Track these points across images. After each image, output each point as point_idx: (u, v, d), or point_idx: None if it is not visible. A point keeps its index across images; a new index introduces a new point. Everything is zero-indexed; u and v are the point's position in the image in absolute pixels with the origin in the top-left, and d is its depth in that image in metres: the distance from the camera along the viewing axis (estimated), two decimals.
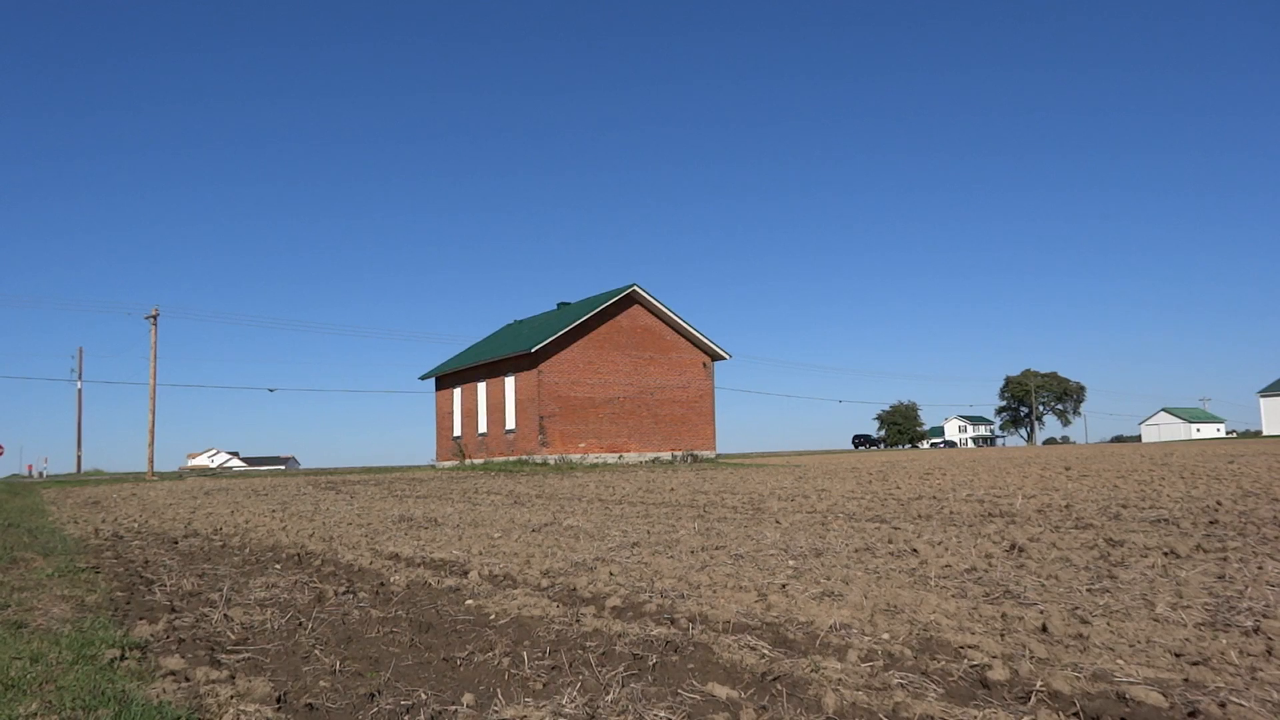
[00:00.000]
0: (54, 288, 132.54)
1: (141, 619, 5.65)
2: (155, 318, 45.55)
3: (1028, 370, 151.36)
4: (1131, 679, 3.96)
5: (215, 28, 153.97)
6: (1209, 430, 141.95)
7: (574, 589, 6.45)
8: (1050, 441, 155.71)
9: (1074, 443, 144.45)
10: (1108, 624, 4.83)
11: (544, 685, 4.14)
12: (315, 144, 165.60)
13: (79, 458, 57.73)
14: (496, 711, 3.79)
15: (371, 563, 8.15)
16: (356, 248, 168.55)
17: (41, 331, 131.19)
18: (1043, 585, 6.04)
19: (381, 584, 6.99)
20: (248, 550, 9.61)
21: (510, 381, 41.09)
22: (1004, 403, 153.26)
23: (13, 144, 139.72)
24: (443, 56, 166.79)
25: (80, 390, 59.77)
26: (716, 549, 8.38)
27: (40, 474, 54.42)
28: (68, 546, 10.05)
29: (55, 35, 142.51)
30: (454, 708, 3.86)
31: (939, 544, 8.21)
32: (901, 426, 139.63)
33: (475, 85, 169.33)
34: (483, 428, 43.19)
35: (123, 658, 4.60)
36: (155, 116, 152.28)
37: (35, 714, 3.64)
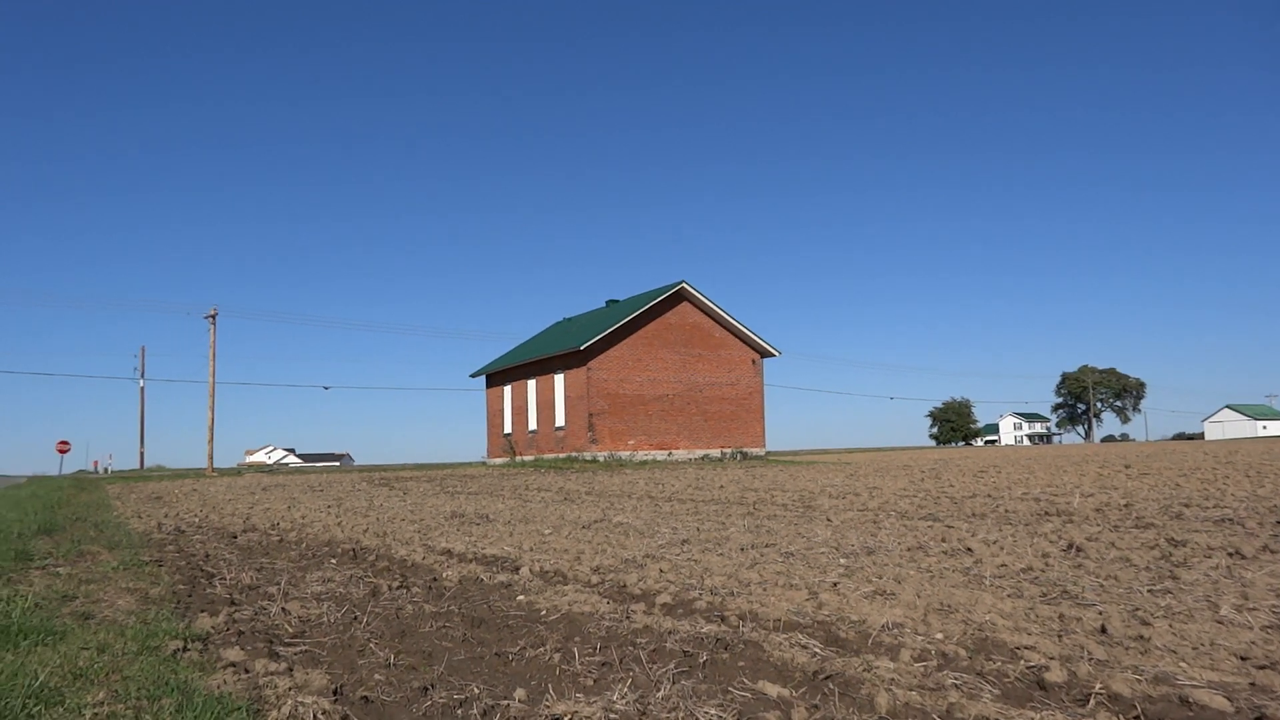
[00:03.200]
0: (117, 289, 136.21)
1: (203, 611, 5.74)
2: (214, 317, 46.58)
3: (1085, 366, 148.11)
4: (1195, 682, 3.89)
5: (277, 26, 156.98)
6: (1276, 427, 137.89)
7: (624, 585, 6.44)
8: (1109, 439, 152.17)
9: (1133, 440, 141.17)
10: (1170, 626, 4.74)
11: (594, 681, 4.13)
12: (370, 144, 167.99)
13: (142, 454, 59.27)
14: (548, 706, 3.79)
15: (424, 558, 8.18)
16: (409, 247, 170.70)
17: (106, 332, 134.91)
18: (1101, 585, 5.93)
19: (434, 579, 7.02)
20: (304, 545, 9.69)
21: (560, 379, 41.27)
22: (1060, 399, 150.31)
23: (76, 144, 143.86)
24: (493, 55, 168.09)
25: (143, 389, 61.34)
26: (767, 546, 8.33)
27: (105, 470, 55.97)
28: (132, 540, 10.25)
29: (121, 32, 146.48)
30: (506, 702, 3.87)
31: (994, 543, 8.08)
32: (954, 424, 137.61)
33: (527, 84, 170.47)
34: (533, 425, 43.44)
35: (185, 649, 4.67)
36: (212, 117, 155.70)
37: (102, 703, 3.71)
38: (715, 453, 41.58)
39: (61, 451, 52.44)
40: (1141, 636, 4.57)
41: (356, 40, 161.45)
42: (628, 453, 39.17)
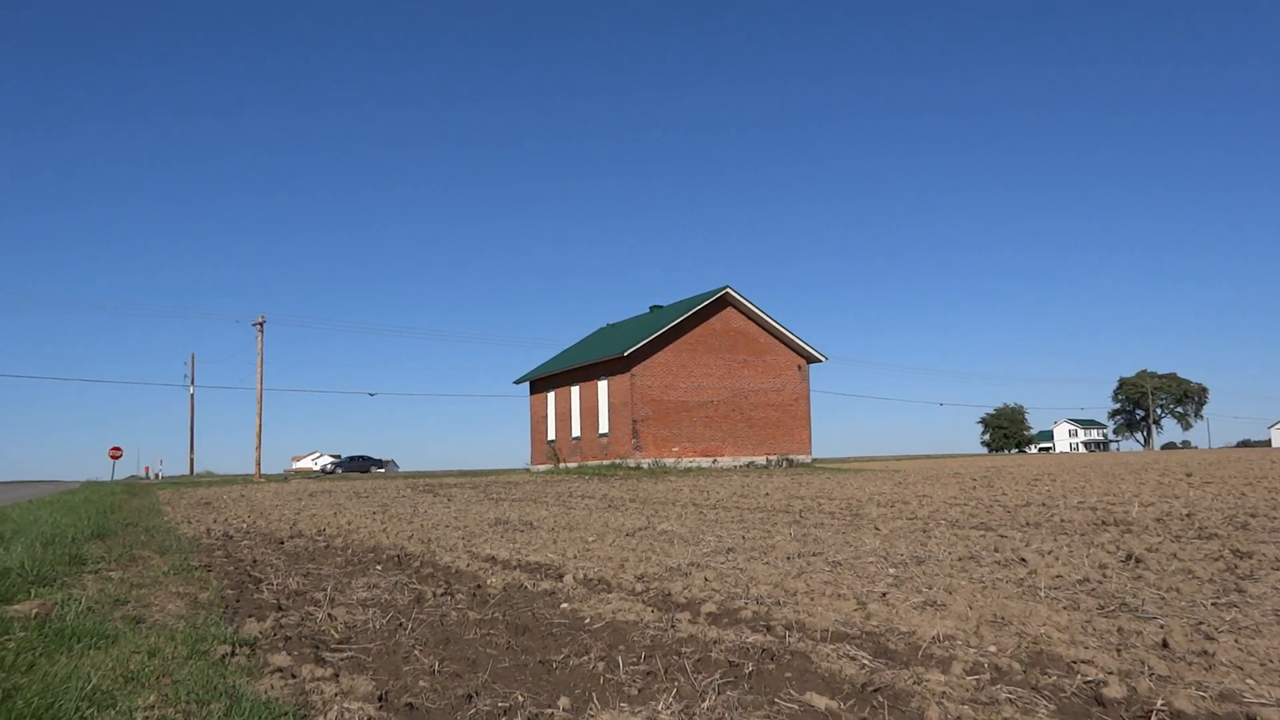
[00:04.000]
0: (168, 296, 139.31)
1: (250, 616, 5.81)
2: (261, 325, 47.49)
3: (1144, 371, 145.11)
4: (1263, 700, 3.78)
5: (325, 28, 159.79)
6: None
7: (668, 594, 6.43)
8: (1169, 446, 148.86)
9: (1195, 448, 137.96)
10: (1235, 641, 4.64)
11: (639, 691, 4.13)
12: (414, 151, 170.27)
13: (191, 460, 60.56)
14: (592, 715, 3.80)
15: (469, 565, 8.23)
16: (453, 253, 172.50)
17: (157, 339, 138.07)
18: (1162, 598, 5.83)
19: (478, 586, 7.06)
20: (349, 551, 9.77)
21: (603, 385, 41.43)
22: (1118, 405, 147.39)
23: (124, 150, 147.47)
24: (540, 59, 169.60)
25: (192, 395, 62.72)
26: (813, 555, 8.30)
27: (156, 475, 57.28)
28: (182, 546, 10.39)
29: (165, 39, 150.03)
30: (550, 711, 3.89)
31: (1049, 553, 7.99)
32: (1007, 431, 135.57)
33: (571, 88, 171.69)
34: (576, 431, 43.64)
35: (233, 654, 4.73)
36: (256, 122, 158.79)
37: (153, 706, 3.77)
38: (761, 460, 41.42)
39: (114, 457, 53.78)
40: (1205, 652, 4.48)
41: (401, 43, 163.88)
42: (672, 460, 39.23)
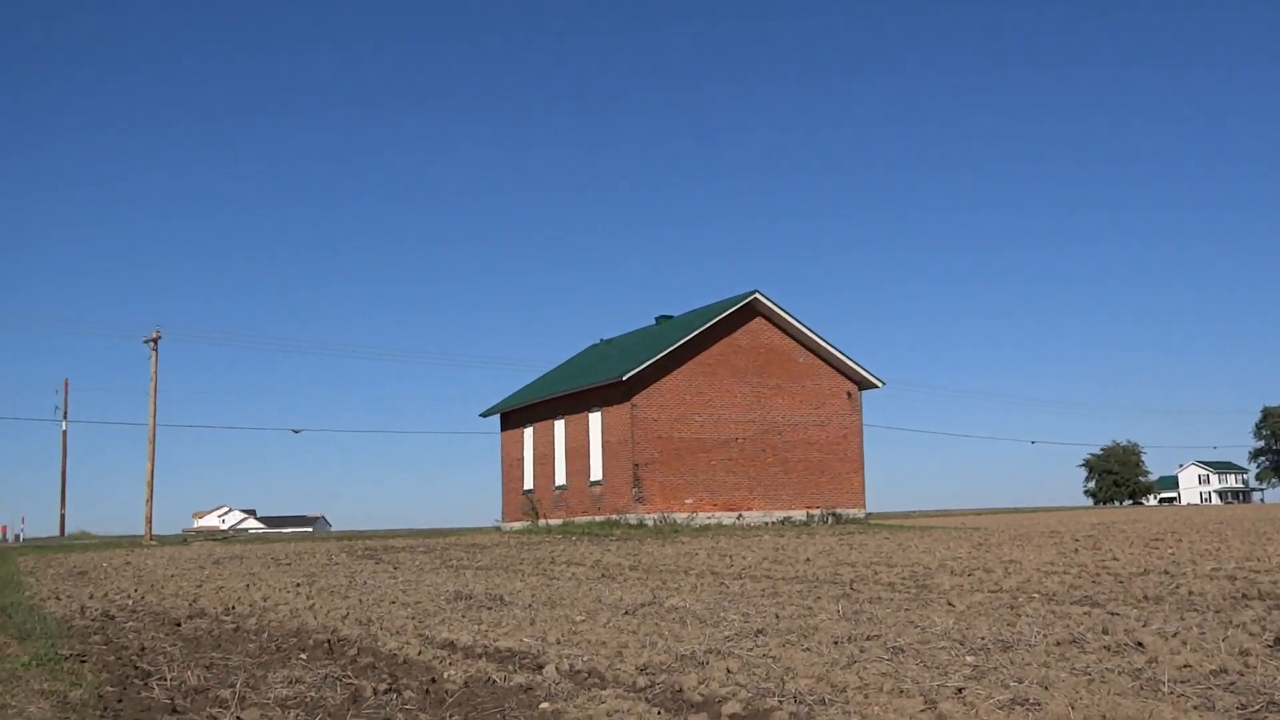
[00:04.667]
0: (34, 303, 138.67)
1: None
2: (156, 341, 47.46)
3: None
4: None
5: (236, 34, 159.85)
6: None
7: (679, 690, 6.47)
8: None
9: None
10: None
11: None
12: (364, 142, 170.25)
13: (62, 517, 60.49)
14: None
15: (420, 652, 8.32)
16: (402, 255, 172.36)
17: (19, 359, 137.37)
18: None
19: (433, 680, 7.10)
20: (266, 635, 9.86)
21: (596, 418, 41.41)
22: (1261, 443, 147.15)
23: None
24: (495, 50, 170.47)
25: (65, 432, 62.66)
26: (868, 639, 8.41)
27: (17, 537, 56.98)
28: (48, 628, 10.39)
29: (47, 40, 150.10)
30: None
31: (1173, 636, 8.06)
32: (1118, 477, 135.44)
33: (539, 76, 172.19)
34: (560, 478, 43.58)
35: None
36: (167, 119, 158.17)
37: None
38: (799, 515, 41.36)
39: None
40: None
41: (339, 39, 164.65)
42: (684, 515, 39.12)
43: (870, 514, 45.44)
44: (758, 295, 41.40)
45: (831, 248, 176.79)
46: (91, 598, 14.62)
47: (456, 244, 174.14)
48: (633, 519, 38.53)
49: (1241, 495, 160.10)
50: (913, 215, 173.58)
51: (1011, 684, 6.29)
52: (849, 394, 43.53)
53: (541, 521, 43.66)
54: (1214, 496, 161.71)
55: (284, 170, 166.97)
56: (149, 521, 45.92)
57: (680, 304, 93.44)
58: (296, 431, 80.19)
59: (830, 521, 41.25)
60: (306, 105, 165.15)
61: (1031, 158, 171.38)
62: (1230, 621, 8.75)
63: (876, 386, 43.89)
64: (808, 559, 19.20)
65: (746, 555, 20.98)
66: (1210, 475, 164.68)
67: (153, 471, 46.32)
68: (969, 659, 7.25)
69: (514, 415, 48.28)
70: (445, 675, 7.24)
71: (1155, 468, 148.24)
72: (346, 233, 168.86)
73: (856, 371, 43.36)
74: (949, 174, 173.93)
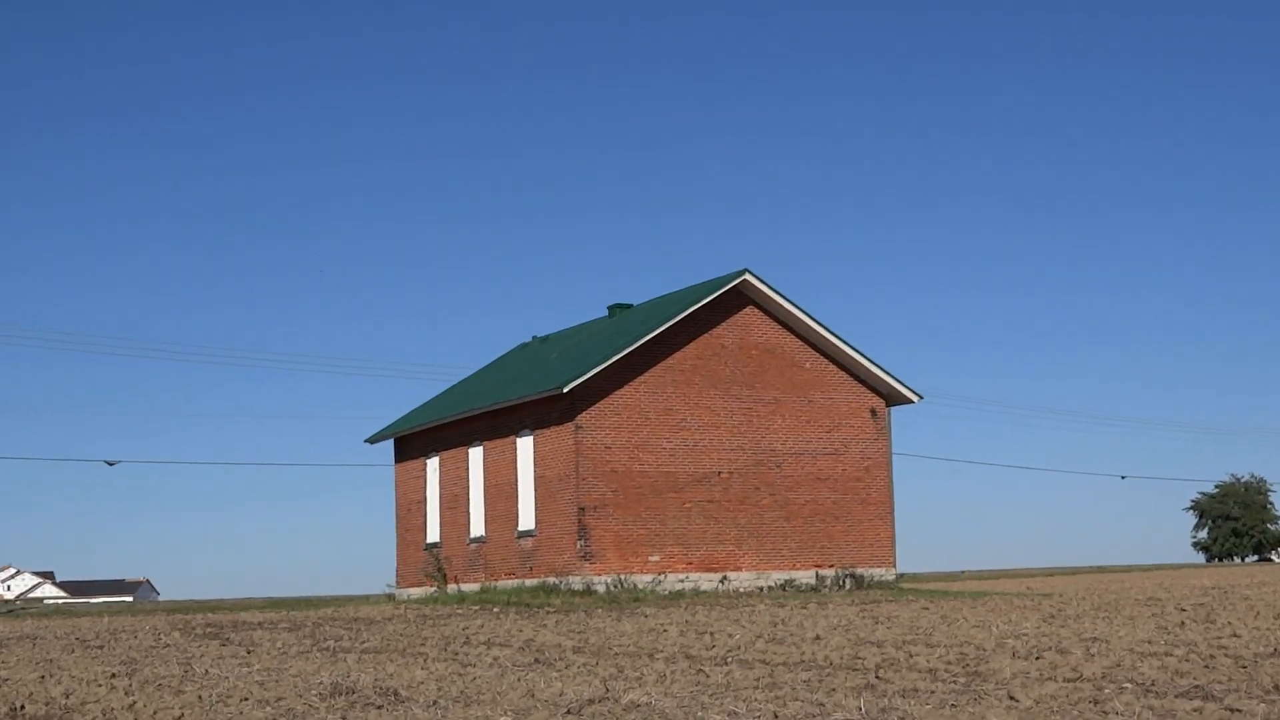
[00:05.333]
0: None
1: None
2: None
3: None
4: None
5: None
6: None
7: None
8: None
9: None
10: None
11: None
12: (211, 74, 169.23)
13: None
14: None
15: None
16: (260, 233, 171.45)
17: None
18: None
19: None
20: None
21: (526, 445, 41.34)
22: None
23: None
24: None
25: None
26: None
27: None
28: None
29: None
30: None
31: None
32: (1239, 523, 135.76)
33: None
34: (478, 528, 43.53)
35: None
36: None
37: None
38: (806, 576, 41.34)
39: None
40: None
41: None
42: (648, 577, 39.05)
43: (902, 575, 45.64)
44: (748, 276, 41.40)
45: (845, 218, 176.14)
46: None
47: (333, 217, 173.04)
48: (577, 583, 38.34)
49: None
50: (954, 174, 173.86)
51: None
52: (873, 412, 43.45)
53: (452, 587, 43.61)
54: None
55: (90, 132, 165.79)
56: None
57: (642, 290, 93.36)
58: (111, 464, 78.22)
59: (848, 586, 41.28)
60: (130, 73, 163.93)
61: (1131, 110, 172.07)
62: None
63: (910, 402, 43.96)
64: (817, 637, 19.40)
65: (734, 632, 21.15)
66: None
67: None
68: None
69: (412, 441, 48.10)
70: None
71: None
72: (183, 207, 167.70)
73: (883, 381, 43.37)
74: (1009, 120, 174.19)
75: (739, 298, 41.90)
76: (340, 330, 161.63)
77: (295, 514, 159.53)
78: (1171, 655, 14.26)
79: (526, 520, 41.35)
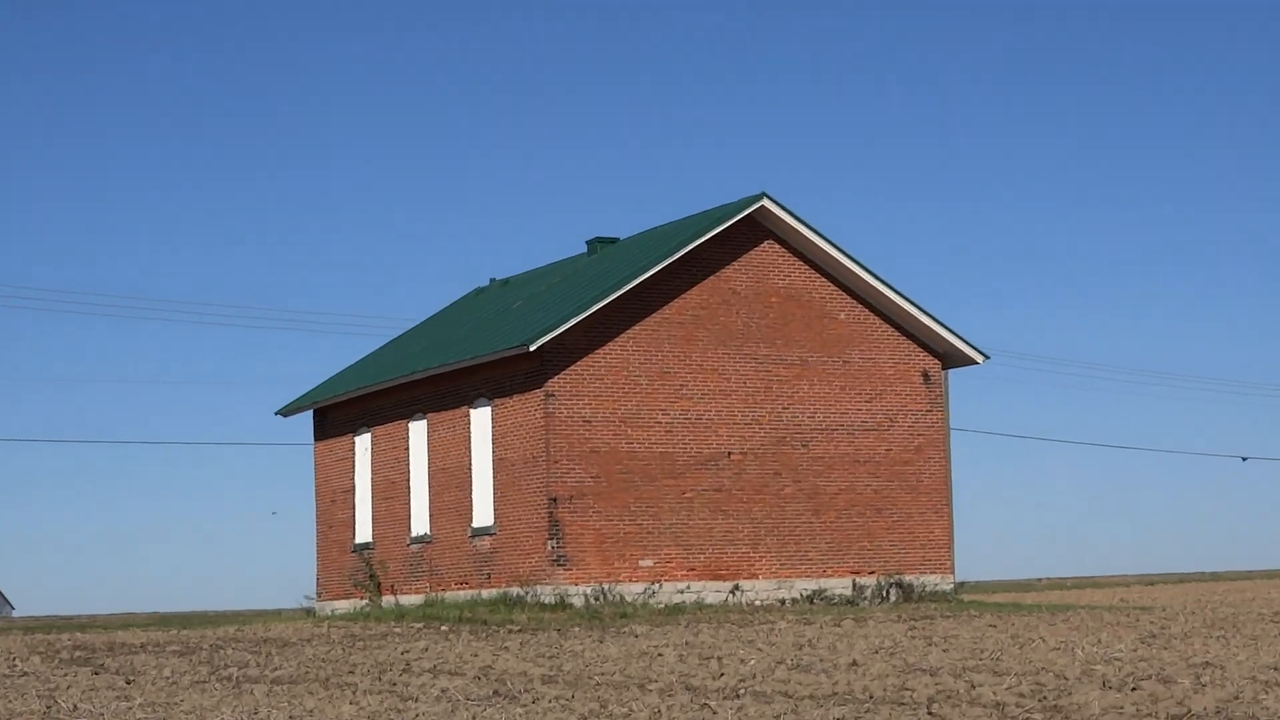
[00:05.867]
0: None
1: None
2: None
3: None
4: None
5: None
6: None
7: None
8: None
9: None
10: None
11: None
12: None
13: None
14: None
15: None
16: (129, 150, 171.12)
17: None
18: None
19: None
20: None
21: (482, 418, 41.33)
22: None
23: None
24: None
25: None
26: None
27: None
28: None
29: None
30: None
31: None
32: None
33: None
34: (420, 524, 43.57)
35: None
36: None
37: None
38: (839, 586, 41.35)
39: None
40: None
41: None
42: (639, 586, 39.04)
43: (962, 584, 45.66)
44: (767, 203, 41.37)
45: (882, 134, 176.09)
46: None
47: (245, 131, 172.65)
48: (548, 594, 38.37)
49: None
50: (1025, 81, 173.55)
51: None
52: (925, 375, 43.44)
53: (388, 599, 43.50)
54: None
55: None
56: None
57: (630, 222, 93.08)
58: None
59: (894, 597, 41.32)
60: None
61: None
62: None
63: (973, 363, 44.01)
64: (854, 663, 19.35)
65: (748, 657, 21.19)
66: None
67: None
68: None
69: (337, 413, 48.25)
70: None
71: None
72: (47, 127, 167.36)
73: (939, 337, 43.36)
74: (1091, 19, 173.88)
75: (755, 230, 41.76)
76: (247, 272, 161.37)
77: (187, 507, 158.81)
78: None
79: (483, 514, 41.22)
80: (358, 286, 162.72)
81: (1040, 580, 77.21)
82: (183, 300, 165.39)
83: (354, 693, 17.38)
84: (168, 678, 21.00)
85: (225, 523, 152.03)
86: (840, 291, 42.47)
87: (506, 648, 25.66)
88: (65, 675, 22.16)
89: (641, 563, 39.38)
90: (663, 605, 38.57)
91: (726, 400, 40.84)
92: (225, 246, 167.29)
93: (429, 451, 43.58)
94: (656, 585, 39.19)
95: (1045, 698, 13.74)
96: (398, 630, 33.47)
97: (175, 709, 15.68)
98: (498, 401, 40.83)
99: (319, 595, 48.62)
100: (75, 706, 16.23)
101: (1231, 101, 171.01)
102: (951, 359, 43.74)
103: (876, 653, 20.94)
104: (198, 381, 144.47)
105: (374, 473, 46.20)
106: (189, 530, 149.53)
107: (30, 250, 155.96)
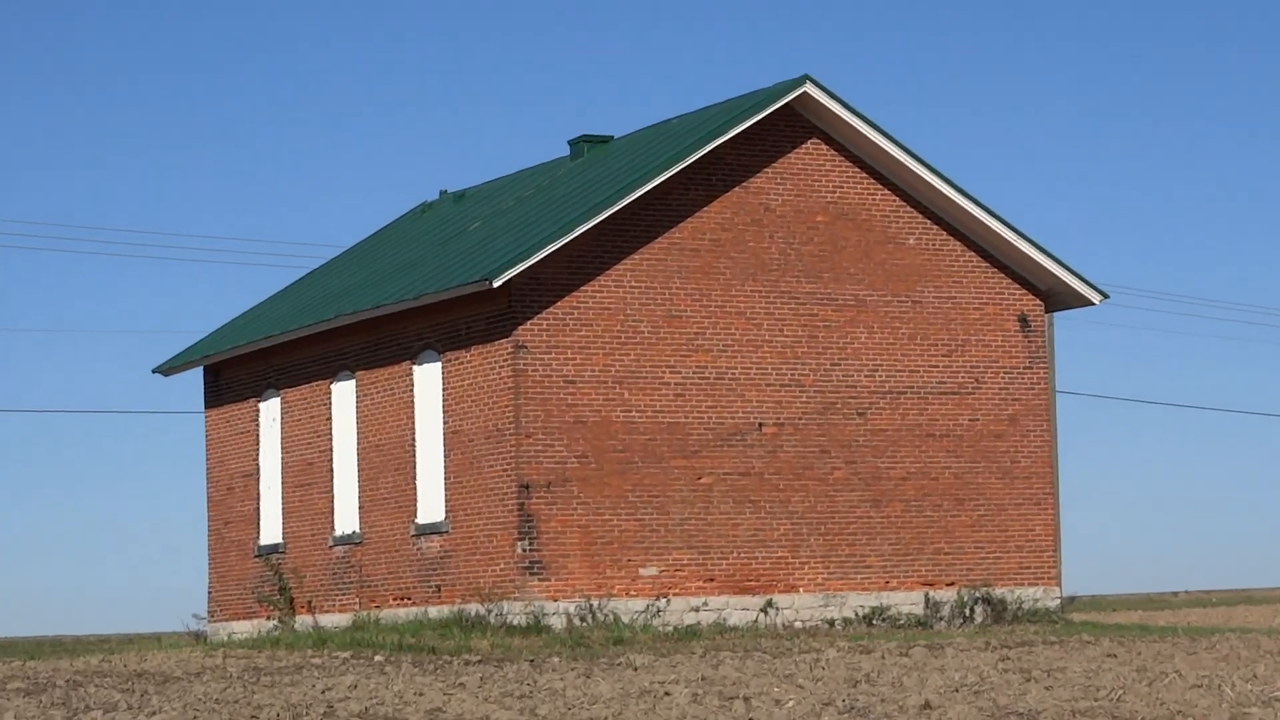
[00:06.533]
0: None
1: None
2: None
3: None
4: None
5: None
6: None
7: None
8: None
9: None
10: None
11: None
12: None
13: None
14: None
15: None
16: None
17: None
18: None
19: None
20: None
21: (428, 377, 41.44)
22: None
23: None
24: None
25: None
26: None
27: None
28: None
29: None
30: None
31: None
32: None
33: None
34: (346, 521, 43.66)
35: None
36: None
37: None
38: (908, 601, 41.61)
39: None
40: None
41: None
42: (640, 602, 39.19)
43: (1073, 599, 45.69)
44: (811, 89, 41.45)
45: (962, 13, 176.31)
46: None
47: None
48: (518, 613, 38.46)
49: None
50: None
51: None
52: (1023, 320, 43.61)
53: (303, 619, 43.50)
54: None
55: None
56: None
57: (626, 118, 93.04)
58: None
59: (979, 616, 41.51)
60: None
61: None
62: None
63: (1087, 304, 44.09)
64: (927, 705, 18.53)
65: (786, 698, 20.24)
66: None
67: None
68: None
69: (235, 371, 48.74)
70: None
71: None
72: None
73: (1042, 270, 43.59)
74: None
75: (796, 125, 41.79)
76: (112, 187, 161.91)
77: (34, 497, 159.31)
78: None
79: (431, 507, 41.28)
80: (264, 205, 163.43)
81: (1176, 595, 77.72)
82: (20, 220, 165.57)
83: None
84: None
85: (87, 518, 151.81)
86: (909, 208, 42.42)
87: (462, 684, 24.78)
88: None
89: (643, 571, 39.41)
90: (671, 628, 38.53)
91: (757, 354, 40.87)
92: (82, 155, 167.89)
93: (358, 422, 43.61)
94: (663, 601, 39.28)
95: None
96: (317, 661, 33.15)
97: None
98: (450, 355, 40.82)
99: (211, 614, 48.66)
100: None
101: None
102: (1058, 299, 43.72)
103: (956, 691, 20.34)
104: (47, 330, 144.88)
105: (285, 451, 46.21)
106: (38, 529, 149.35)
107: None
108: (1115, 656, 27.41)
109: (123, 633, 56.20)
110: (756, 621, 39.52)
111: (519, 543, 38.50)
